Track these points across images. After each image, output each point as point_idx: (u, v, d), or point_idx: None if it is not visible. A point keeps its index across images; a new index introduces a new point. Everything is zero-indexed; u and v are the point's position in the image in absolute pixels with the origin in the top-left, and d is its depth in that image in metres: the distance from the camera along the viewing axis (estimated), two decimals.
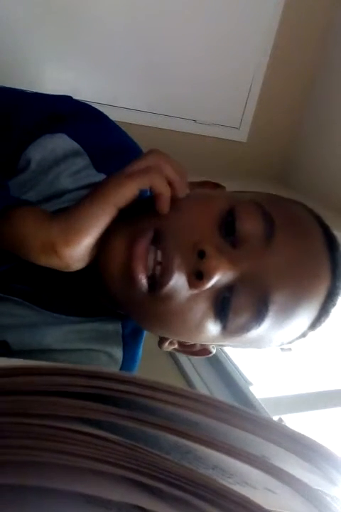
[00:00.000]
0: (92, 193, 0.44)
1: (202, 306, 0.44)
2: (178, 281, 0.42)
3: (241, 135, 1.99)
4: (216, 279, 0.42)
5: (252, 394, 1.12)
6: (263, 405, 1.08)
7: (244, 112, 1.94)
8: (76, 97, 0.61)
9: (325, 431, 1.22)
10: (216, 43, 1.76)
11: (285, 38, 1.85)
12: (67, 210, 0.43)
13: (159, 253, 0.43)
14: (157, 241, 0.43)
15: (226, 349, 1.22)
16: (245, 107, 1.93)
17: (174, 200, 0.45)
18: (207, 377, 1.18)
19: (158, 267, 0.43)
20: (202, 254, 0.42)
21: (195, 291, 0.43)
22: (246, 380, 1.18)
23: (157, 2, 1.62)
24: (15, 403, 0.22)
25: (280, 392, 1.26)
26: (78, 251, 0.42)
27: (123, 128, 0.64)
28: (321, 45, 1.94)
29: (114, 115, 0.63)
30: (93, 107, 0.61)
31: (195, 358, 1.18)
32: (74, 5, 1.52)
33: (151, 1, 1.61)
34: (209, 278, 0.41)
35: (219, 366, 1.20)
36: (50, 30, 1.52)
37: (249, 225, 0.44)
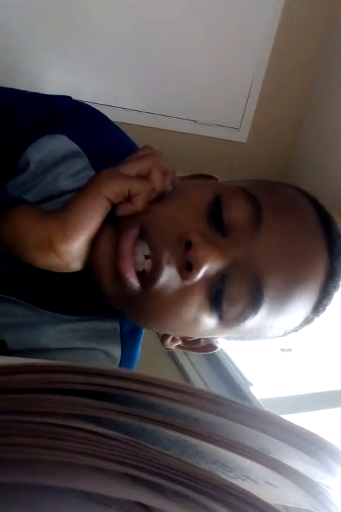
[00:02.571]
0: (85, 187, 0.44)
1: (196, 298, 0.43)
2: (169, 274, 0.42)
3: (242, 136, 1.99)
4: (205, 269, 0.42)
5: (252, 394, 1.12)
6: (263, 405, 1.08)
7: (244, 113, 1.94)
8: (76, 97, 0.61)
9: (325, 431, 1.22)
10: (216, 44, 1.76)
11: (286, 38, 1.85)
12: (63, 206, 0.43)
13: (146, 247, 0.42)
14: (144, 236, 0.43)
15: (226, 349, 1.22)
16: (245, 107, 1.93)
17: (160, 196, 0.45)
18: (206, 377, 1.18)
19: (147, 262, 0.42)
20: (189, 245, 0.41)
21: (188, 283, 0.42)
22: (246, 381, 1.18)
23: (157, 3, 1.62)
24: (14, 401, 0.22)
25: (280, 392, 1.26)
26: (75, 247, 0.42)
27: (123, 128, 0.64)
28: (321, 46, 1.94)
29: (114, 116, 0.63)
30: (93, 108, 0.61)
31: (194, 359, 1.18)
32: (75, 6, 1.52)
33: (152, 1, 1.61)
34: (199, 268, 0.41)
35: (219, 366, 1.20)
36: (51, 31, 1.53)
37: (235, 212, 0.44)
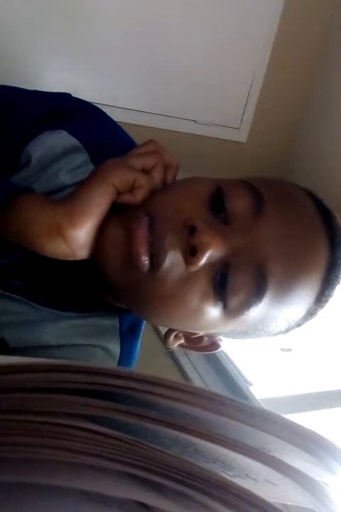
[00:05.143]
0: (92, 174, 0.45)
1: (200, 285, 0.44)
2: (174, 259, 0.43)
3: (241, 135, 1.99)
4: (209, 254, 0.42)
5: (252, 394, 1.12)
6: (263, 405, 1.08)
7: (244, 112, 1.94)
8: (76, 96, 0.62)
9: (325, 431, 1.21)
10: (216, 43, 1.76)
11: (285, 38, 1.85)
12: (70, 194, 0.44)
13: (152, 234, 0.43)
14: (150, 224, 0.44)
15: (226, 349, 1.22)
16: (245, 107, 1.93)
17: (164, 186, 0.47)
18: (207, 377, 1.18)
19: (153, 247, 0.43)
20: (193, 230, 0.42)
21: (192, 269, 0.43)
22: (246, 380, 1.18)
23: (157, 2, 1.62)
24: (14, 400, 0.22)
25: (280, 392, 1.26)
26: (83, 233, 0.42)
27: (123, 128, 0.64)
28: (321, 45, 1.94)
29: (114, 115, 0.63)
30: (92, 104, 0.62)
31: (194, 359, 1.18)
32: (75, 5, 1.52)
33: (152, 1, 1.61)
34: (203, 252, 0.42)
35: (219, 366, 1.20)
36: (51, 31, 1.53)
37: (238, 201, 0.45)
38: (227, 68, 1.82)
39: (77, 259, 0.44)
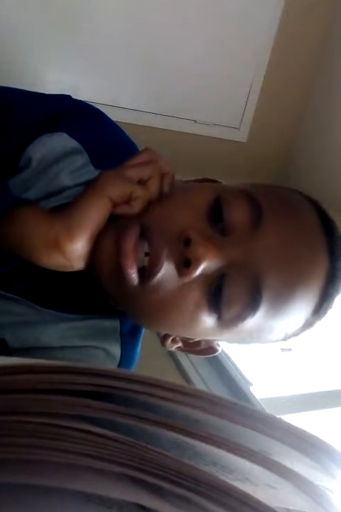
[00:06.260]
0: (89, 187, 0.45)
1: (194, 296, 0.43)
2: (168, 270, 0.43)
3: (241, 135, 1.99)
4: (203, 266, 0.42)
5: (252, 394, 1.12)
6: (263, 405, 1.08)
7: (244, 112, 1.94)
8: (76, 97, 0.62)
9: (325, 431, 1.22)
10: (216, 43, 1.76)
11: (285, 39, 1.85)
12: (67, 206, 0.44)
13: (146, 244, 0.43)
14: (144, 234, 0.43)
15: (227, 349, 1.22)
16: (245, 107, 1.93)
17: (160, 196, 0.46)
18: (207, 377, 1.18)
19: (147, 258, 0.43)
20: (188, 242, 0.42)
21: (185, 280, 0.43)
22: (246, 380, 1.18)
23: (157, 2, 1.62)
24: (14, 402, 0.22)
25: (280, 392, 1.26)
26: (80, 246, 0.43)
27: (123, 128, 0.64)
28: (321, 46, 1.94)
29: (114, 115, 0.63)
30: (91, 106, 0.62)
31: (195, 359, 1.18)
32: (75, 6, 1.52)
33: (152, 2, 1.61)
34: (197, 265, 0.41)
35: (219, 366, 1.20)
36: (51, 31, 1.53)
37: (236, 212, 0.44)
38: (227, 68, 1.82)
39: (74, 270, 0.45)
